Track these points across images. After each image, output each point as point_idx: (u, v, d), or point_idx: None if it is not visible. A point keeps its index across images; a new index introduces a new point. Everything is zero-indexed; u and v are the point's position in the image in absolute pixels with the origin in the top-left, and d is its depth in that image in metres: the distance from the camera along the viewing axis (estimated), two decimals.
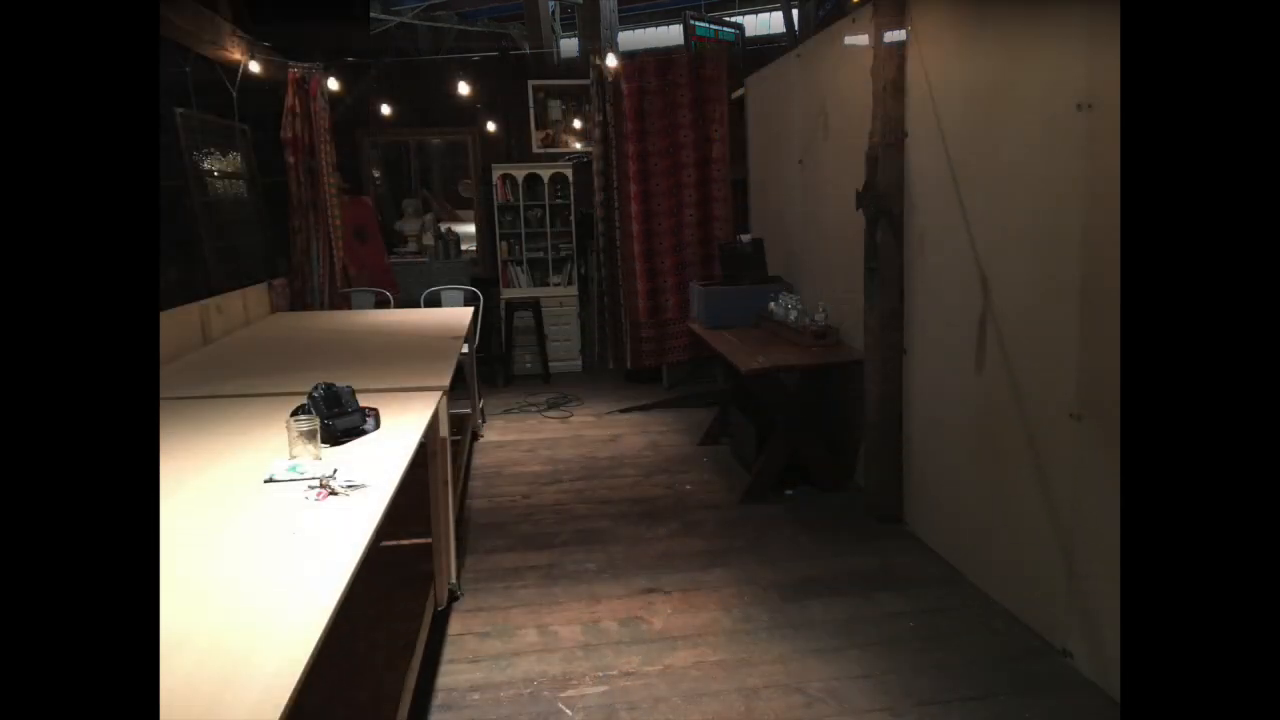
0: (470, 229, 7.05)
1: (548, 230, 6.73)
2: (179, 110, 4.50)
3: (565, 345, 6.84)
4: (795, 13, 6.08)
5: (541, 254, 6.78)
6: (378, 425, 2.36)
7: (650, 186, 5.68)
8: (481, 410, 5.49)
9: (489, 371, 6.56)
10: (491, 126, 6.81)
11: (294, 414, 2.12)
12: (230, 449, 2.20)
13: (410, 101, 6.69)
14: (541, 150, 6.86)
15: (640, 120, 5.59)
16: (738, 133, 5.84)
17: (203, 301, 4.06)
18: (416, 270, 6.50)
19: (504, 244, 6.70)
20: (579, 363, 6.88)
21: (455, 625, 2.91)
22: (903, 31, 3.40)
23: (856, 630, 2.80)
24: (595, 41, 5.94)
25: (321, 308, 5.48)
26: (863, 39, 3.63)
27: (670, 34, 9.11)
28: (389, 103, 6.62)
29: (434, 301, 5.95)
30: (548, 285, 6.80)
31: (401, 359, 3.47)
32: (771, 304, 4.54)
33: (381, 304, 5.79)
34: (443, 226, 7.01)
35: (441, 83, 6.51)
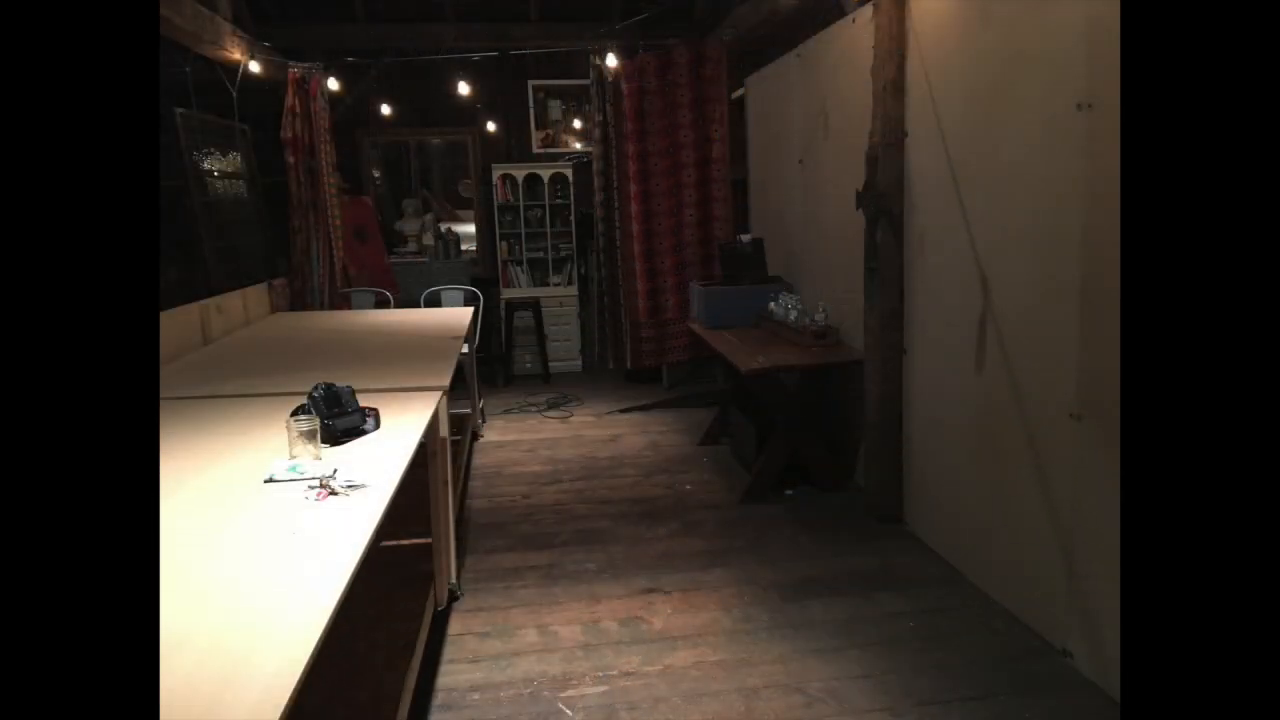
0: (470, 229, 7.05)
1: (548, 230, 6.73)
2: (179, 110, 4.51)
3: (565, 345, 6.84)
4: None
5: (541, 254, 6.78)
6: (378, 425, 2.36)
7: (650, 186, 5.68)
8: (481, 410, 5.49)
9: (489, 371, 6.56)
10: (491, 126, 6.81)
11: (294, 414, 2.12)
12: (230, 449, 2.20)
13: (410, 101, 6.69)
14: (541, 150, 6.86)
15: (640, 120, 5.59)
16: (738, 133, 5.84)
17: (203, 301, 4.06)
18: (416, 270, 6.49)
19: (504, 244, 6.70)
20: (579, 363, 6.88)
21: (455, 625, 2.91)
22: (902, 31, 3.40)
23: (856, 630, 2.80)
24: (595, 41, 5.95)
25: (321, 308, 5.48)
26: (862, 39, 3.63)
27: None
28: (389, 103, 6.62)
29: (434, 301, 5.95)
30: (548, 285, 6.80)
31: (401, 359, 3.47)
32: (771, 304, 4.54)
33: (381, 304, 5.79)
34: (443, 226, 7.01)
35: (441, 83, 6.50)
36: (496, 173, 6.59)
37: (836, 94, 4.10)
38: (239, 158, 5.42)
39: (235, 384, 2.97)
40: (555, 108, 6.87)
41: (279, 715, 1.06)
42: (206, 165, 4.86)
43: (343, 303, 5.59)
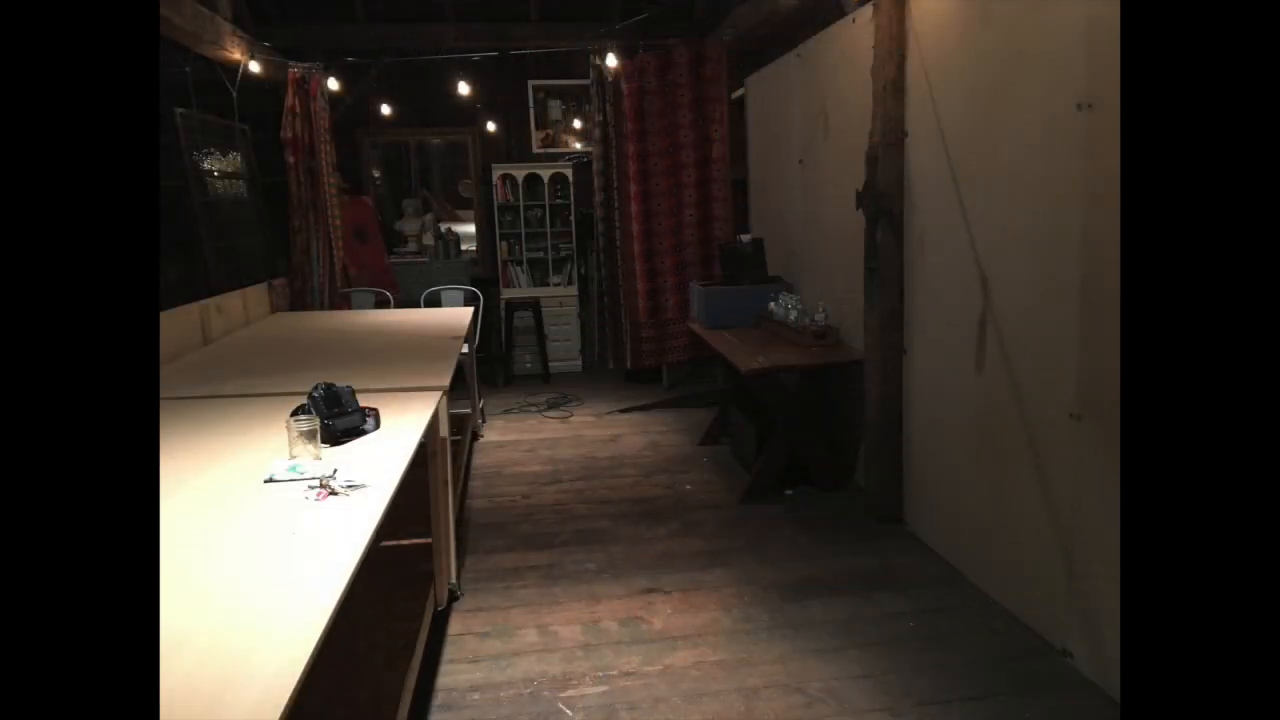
0: (470, 229, 7.05)
1: (548, 230, 6.73)
2: (179, 110, 4.51)
3: (565, 345, 6.84)
4: None
5: (541, 254, 6.78)
6: (378, 425, 2.36)
7: (650, 186, 5.68)
8: (481, 410, 5.49)
9: (489, 371, 6.56)
10: (491, 126, 6.81)
11: (294, 414, 2.12)
12: (230, 449, 2.20)
13: (410, 101, 6.69)
14: (541, 150, 6.86)
15: (640, 120, 5.59)
16: (738, 133, 5.84)
17: (203, 301, 4.06)
18: (416, 270, 6.49)
19: (504, 244, 6.70)
20: (579, 363, 6.88)
21: (455, 625, 2.91)
22: (902, 31, 3.40)
23: (856, 630, 2.80)
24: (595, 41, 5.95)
25: (321, 308, 5.48)
26: (862, 39, 3.63)
27: None
28: (389, 103, 6.62)
29: (434, 301, 5.95)
30: (548, 285, 6.80)
31: (401, 359, 3.47)
32: (771, 304, 4.54)
33: (381, 304, 5.79)
34: (443, 226, 7.01)
35: (441, 83, 6.50)
36: (496, 173, 6.59)
37: (836, 94, 4.10)
38: (239, 158, 5.42)
39: (235, 384, 2.97)
40: (555, 108, 6.87)
41: (279, 715, 1.06)
42: (206, 165, 4.86)
43: (343, 303, 5.59)
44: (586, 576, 3.26)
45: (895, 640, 2.73)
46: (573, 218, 6.74)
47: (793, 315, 4.29)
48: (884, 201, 3.50)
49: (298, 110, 5.31)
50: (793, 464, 4.05)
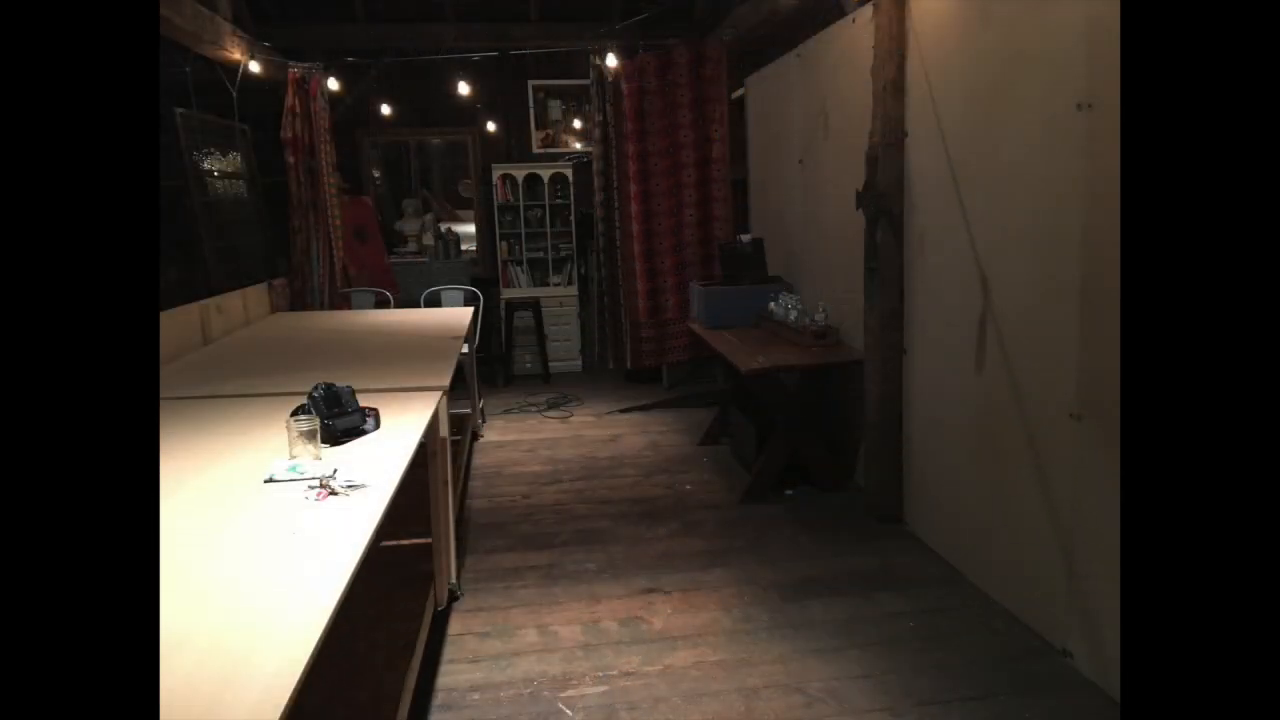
0: (470, 229, 7.05)
1: (548, 230, 6.73)
2: (179, 110, 4.51)
3: (565, 345, 6.84)
4: None
5: (541, 254, 6.78)
6: (378, 425, 2.36)
7: (650, 186, 5.68)
8: (481, 410, 5.49)
9: (489, 371, 6.56)
10: (491, 126, 6.81)
11: (294, 414, 2.12)
12: (230, 449, 2.20)
13: (410, 101, 6.69)
14: (541, 150, 6.86)
15: (640, 120, 5.59)
16: (738, 133, 5.84)
17: (203, 301, 4.06)
18: (416, 270, 6.49)
19: (504, 244, 6.70)
20: (579, 363, 6.88)
21: (455, 625, 2.91)
22: (902, 31, 3.40)
23: (856, 630, 2.80)
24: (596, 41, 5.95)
25: (321, 308, 5.48)
26: (862, 39, 3.63)
27: None
28: (389, 103, 6.62)
29: (434, 301, 5.95)
30: (548, 285, 6.80)
31: (401, 359, 3.47)
32: (771, 304, 4.54)
33: (381, 304, 5.79)
34: (443, 226, 7.01)
35: (441, 83, 6.51)
36: (496, 173, 6.59)
37: (836, 94, 4.10)
38: (239, 158, 5.42)
39: (235, 384, 2.97)
40: (555, 108, 6.87)
41: (279, 715, 1.06)
42: (206, 165, 4.86)
43: (343, 303, 5.59)
44: (586, 576, 3.26)
45: (895, 640, 2.73)
46: (573, 218, 6.74)
47: (793, 315, 4.29)
48: (884, 201, 3.50)
49: (298, 110, 5.31)
50: (793, 464, 4.05)
